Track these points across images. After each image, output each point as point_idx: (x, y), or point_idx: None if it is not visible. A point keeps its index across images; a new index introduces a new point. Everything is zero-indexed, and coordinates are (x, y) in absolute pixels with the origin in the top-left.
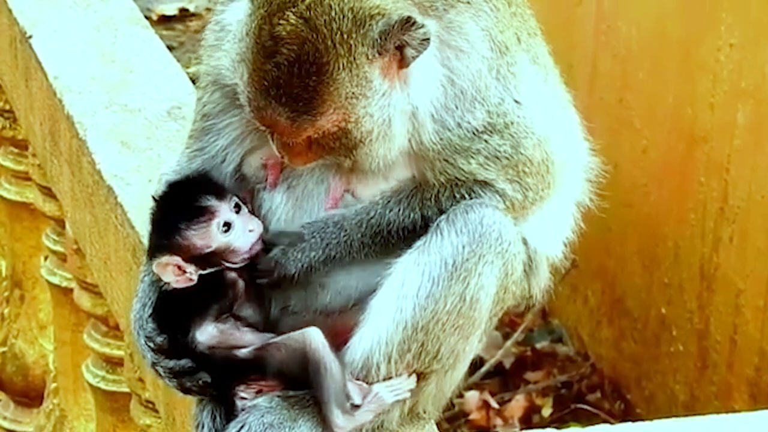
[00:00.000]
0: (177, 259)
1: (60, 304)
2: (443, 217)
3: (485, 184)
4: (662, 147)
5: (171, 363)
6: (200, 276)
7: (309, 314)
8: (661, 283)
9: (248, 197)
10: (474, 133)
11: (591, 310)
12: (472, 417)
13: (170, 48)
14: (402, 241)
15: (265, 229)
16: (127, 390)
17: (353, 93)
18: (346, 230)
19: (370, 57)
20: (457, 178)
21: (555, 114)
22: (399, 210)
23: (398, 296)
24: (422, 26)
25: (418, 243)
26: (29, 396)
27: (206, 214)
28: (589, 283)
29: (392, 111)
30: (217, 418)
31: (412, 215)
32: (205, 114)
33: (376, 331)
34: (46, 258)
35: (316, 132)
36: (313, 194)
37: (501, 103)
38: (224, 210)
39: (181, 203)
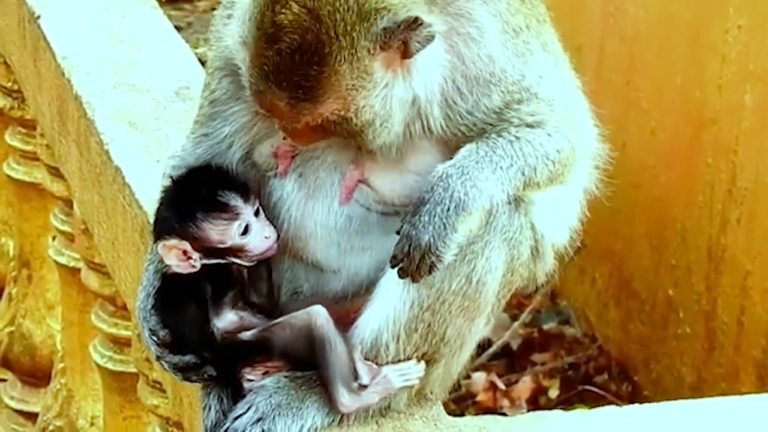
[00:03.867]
0: (185, 245)
1: (68, 284)
2: None
3: (539, 122)
4: (670, 129)
5: (175, 359)
6: (203, 264)
7: (320, 299)
8: (668, 264)
9: (258, 185)
10: (496, 112)
11: (598, 292)
12: (479, 398)
13: (178, 28)
14: None
15: (276, 216)
16: (134, 370)
17: (353, 85)
18: (465, 173)
19: (372, 51)
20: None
21: (565, 101)
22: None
23: None
24: (429, 26)
25: None
26: (36, 376)
27: (230, 212)
28: (597, 264)
29: (393, 101)
30: (224, 400)
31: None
32: (213, 100)
33: (384, 310)
34: (54, 238)
35: (315, 119)
36: (326, 183)
37: (522, 79)
38: (248, 212)
39: (205, 194)
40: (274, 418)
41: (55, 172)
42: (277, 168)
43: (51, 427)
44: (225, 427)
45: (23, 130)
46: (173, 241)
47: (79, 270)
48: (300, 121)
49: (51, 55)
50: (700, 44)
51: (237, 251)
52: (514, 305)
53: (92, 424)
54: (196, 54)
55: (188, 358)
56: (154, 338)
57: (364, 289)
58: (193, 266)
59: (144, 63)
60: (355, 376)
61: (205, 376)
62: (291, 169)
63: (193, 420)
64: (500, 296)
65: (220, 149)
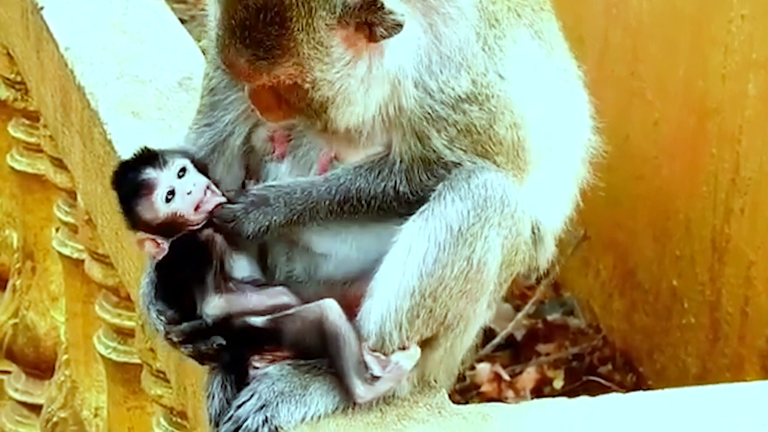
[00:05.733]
0: (146, 234)
1: (71, 276)
2: (445, 183)
3: (454, 163)
4: (674, 119)
5: (184, 325)
6: (180, 245)
7: (314, 284)
8: (672, 255)
9: (256, 168)
10: (456, 100)
11: (602, 283)
12: (483, 389)
13: (182, 21)
14: (374, 212)
15: None
16: (138, 361)
17: (309, 54)
18: (313, 197)
19: (329, 24)
20: (423, 156)
21: (555, 91)
22: (370, 178)
23: (404, 263)
24: (390, 12)
25: (422, 209)
26: (40, 368)
27: (146, 187)
28: (601, 255)
29: (353, 81)
30: (228, 388)
31: (383, 185)
32: (212, 89)
33: (385, 300)
34: (57, 229)
35: (271, 80)
36: (316, 165)
37: (486, 74)
38: (163, 180)
39: (127, 179)
40: (277, 405)
41: (59, 163)
42: (273, 152)
43: (55, 419)
44: (228, 415)
45: (26, 122)
46: (138, 235)
47: (82, 261)
48: (256, 79)
49: (54, 46)
50: (703, 34)
51: (176, 219)
52: (518, 296)
53: (96, 415)
54: (199, 47)
55: (197, 322)
56: (162, 318)
57: (356, 274)
58: (164, 249)
59: (147, 54)
60: (366, 368)
61: (215, 345)
62: (286, 153)
63: (197, 409)
64: (503, 279)
65: (223, 137)
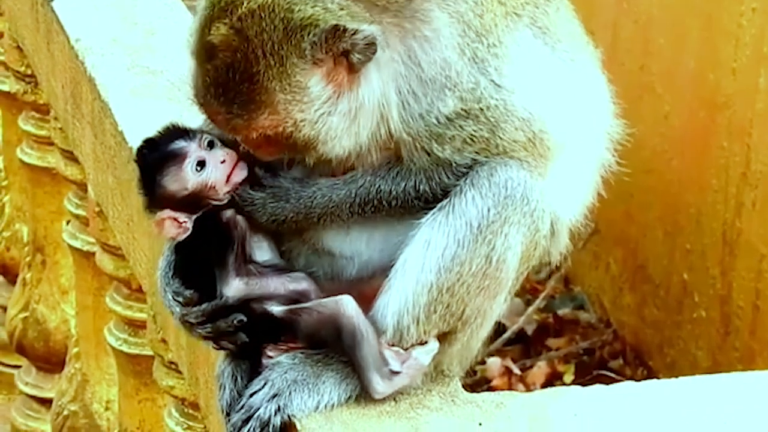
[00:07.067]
0: (168, 212)
1: (82, 268)
2: (467, 179)
3: (474, 161)
4: (684, 113)
5: (204, 305)
6: (201, 226)
7: (335, 283)
8: (683, 249)
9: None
10: (447, 119)
11: (613, 277)
12: (494, 383)
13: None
14: (395, 211)
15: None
16: (149, 353)
17: (286, 100)
18: (334, 201)
19: (302, 67)
20: (435, 164)
21: (567, 83)
22: (389, 178)
23: (423, 258)
24: (355, 32)
25: (441, 204)
26: (51, 362)
27: (176, 157)
28: (611, 249)
29: (335, 117)
30: (238, 380)
31: (403, 184)
32: None
33: (403, 294)
34: (68, 222)
35: (252, 132)
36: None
37: (475, 88)
38: (193, 149)
39: (154, 155)
40: (290, 393)
41: (69, 156)
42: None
43: (65, 412)
44: (240, 404)
45: (36, 115)
46: (159, 214)
47: (93, 254)
48: (238, 133)
49: (64, 38)
50: (713, 28)
51: (205, 190)
52: (528, 290)
53: (107, 409)
54: None
55: (216, 302)
56: (179, 299)
57: (380, 272)
58: (187, 228)
59: (158, 45)
60: (385, 363)
61: (236, 322)
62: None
63: (209, 399)
64: (519, 273)
65: None
